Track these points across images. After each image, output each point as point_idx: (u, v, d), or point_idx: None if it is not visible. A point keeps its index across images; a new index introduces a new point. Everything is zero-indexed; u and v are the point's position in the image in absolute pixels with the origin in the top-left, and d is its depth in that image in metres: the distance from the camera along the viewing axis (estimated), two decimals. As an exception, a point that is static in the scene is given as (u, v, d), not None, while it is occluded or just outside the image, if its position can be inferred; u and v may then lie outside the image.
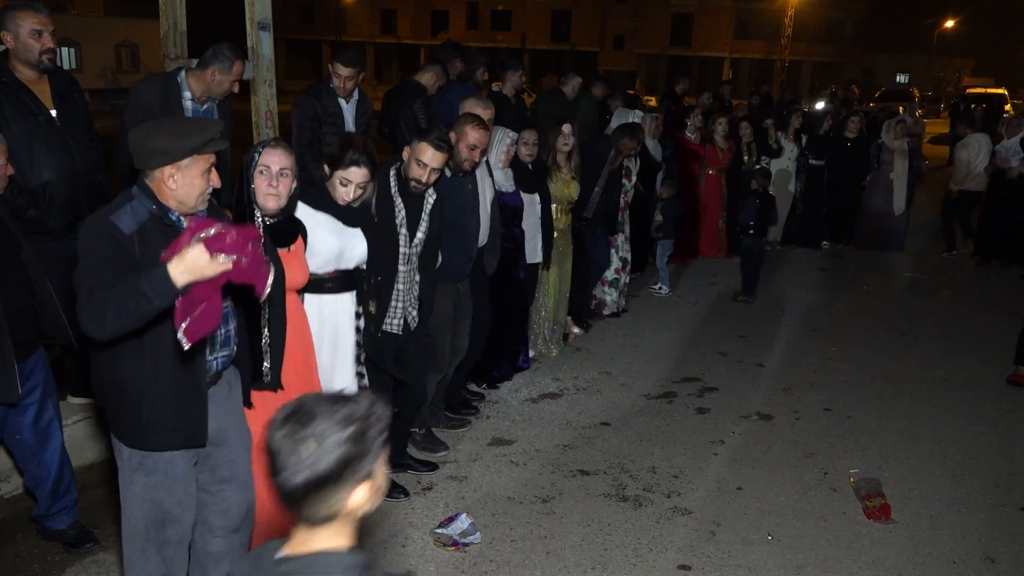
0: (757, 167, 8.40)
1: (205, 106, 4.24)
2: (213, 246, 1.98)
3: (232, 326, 2.61)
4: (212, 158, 2.36)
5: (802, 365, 5.95)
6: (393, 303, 3.70)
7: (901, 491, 4.15)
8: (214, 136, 2.33)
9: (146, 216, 2.31)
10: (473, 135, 4.06)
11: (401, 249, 3.67)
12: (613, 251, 6.62)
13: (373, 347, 3.60)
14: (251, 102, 4.81)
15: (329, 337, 3.36)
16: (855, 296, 7.92)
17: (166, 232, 2.32)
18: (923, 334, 6.79)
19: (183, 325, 2.05)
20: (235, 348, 2.66)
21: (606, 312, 6.80)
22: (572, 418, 4.90)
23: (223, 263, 1.98)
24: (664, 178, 7.49)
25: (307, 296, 3.26)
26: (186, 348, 2.10)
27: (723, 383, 5.54)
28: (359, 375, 3.51)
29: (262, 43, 4.69)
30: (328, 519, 1.37)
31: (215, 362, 2.59)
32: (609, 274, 6.70)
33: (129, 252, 2.25)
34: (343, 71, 5.03)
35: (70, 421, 3.78)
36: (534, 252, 5.20)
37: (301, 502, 1.34)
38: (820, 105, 19.34)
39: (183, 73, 4.20)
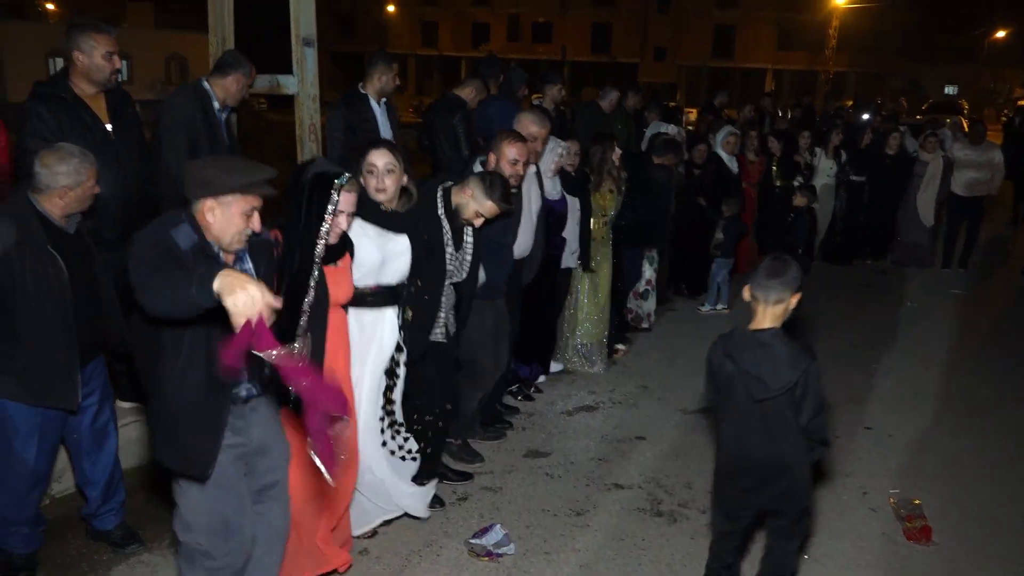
0: (799, 183, 8.30)
1: (224, 114, 4.34)
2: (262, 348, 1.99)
3: None
4: (256, 201, 2.41)
5: (842, 382, 5.87)
6: (439, 315, 3.74)
7: (943, 513, 4.07)
8: (263, 179, 2.39)
9: (194, 241, 2.38)
10: (511, 151, 4.07)
11: (448, 268, 3.71)
12: (646, 262, 6.64)
13: (417, 354, 3.65)
14: (295, 116, 4.92)
15: (366, 350, 3.39)
16: (898, 313, 7.79)
17: (207, 261, 2.36)
18: (968, 352, 6.66)
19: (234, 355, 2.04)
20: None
21: (642, 325, 6.80)
22: (608, 431, 4.90)
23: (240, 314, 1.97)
24: (725, 195, 7.37)
25: (349, 310, 3.31)
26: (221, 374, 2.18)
27: (761, 399, 5.49)
28: (388, 387, 3.51)
29: (306, 59, 4.81)
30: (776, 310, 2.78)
31: (252, 388, 2.64)
32: (640, 285, 6.71)
33: (186, 264, 2.30)
34: (392, 69, 5.09)
35: (118, 424, 3.89)
36: (570, 258, 5.25)
37: (770, 299, 2.78)
38: (865, 117, 19.09)
39: (205, 82, 4.28)
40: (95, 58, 3.57)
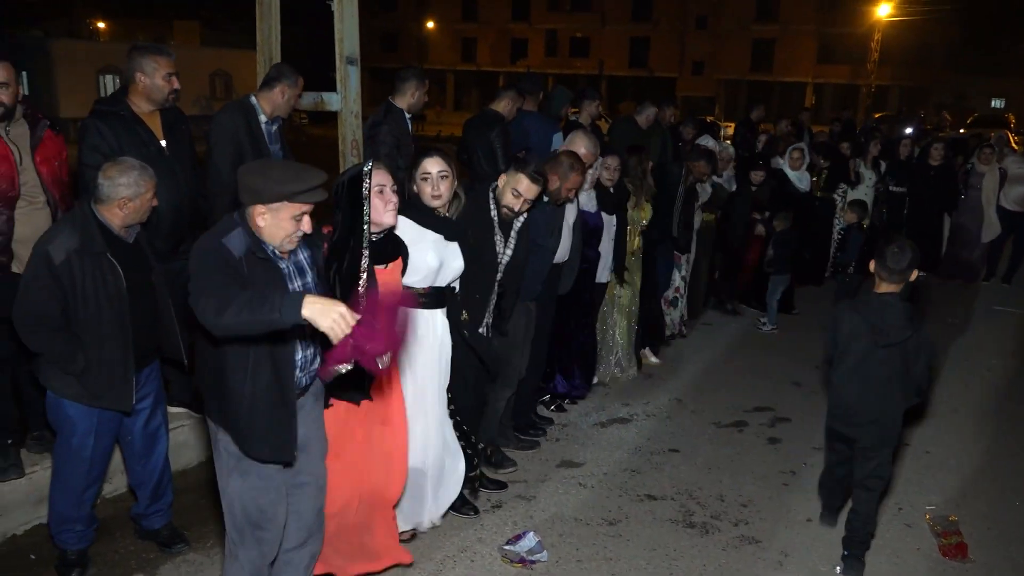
0: (841, 194, 8.25)
1: (274, 127, 4.48)
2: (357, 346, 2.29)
3: (317, 347, 2.78)
4: (306, 207, 2.53)
5: (879, 398, 5.84)
6: (485, 312, 3.87)
7: (979, 530, 4.04)
8: (311, 187, 2.49)
9: (248, 245, 2.52)
10: (576, 180, 4.34)
11: (500, 265, 3.85)
12: (675, 270, 6.69)
13: (488, 356, 3.80)
14: (338, 132, 5.07)
15: (426, 350, 3.50)
16: (938, 328, 7.68)
17: (262, 265, 2.53)
18: (1010, 369, 6.57)
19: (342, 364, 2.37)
20: (319, 364, 2.84)
21: (667, 332, 6.82)
22: (641, 443, 4.94)
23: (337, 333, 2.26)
24: (777, 211, 7.34)
25: None
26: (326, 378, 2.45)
27: (796, 414, 5.49)
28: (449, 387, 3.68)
29: (350, 77, 4.96)
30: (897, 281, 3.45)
31: (305, 377, 2.78)
32: (669, 293, 6.75)
33: (240, 272, 2.46)
34: (424, 85, 5.22)
35: (168, 428, 4.04)
36: (604, 272, 5.33)
37: (893, 278, 3.46)
38: (908, 131, 18.81)
39: (253, 97, 4.44)
40: (156, 79, 3.74)
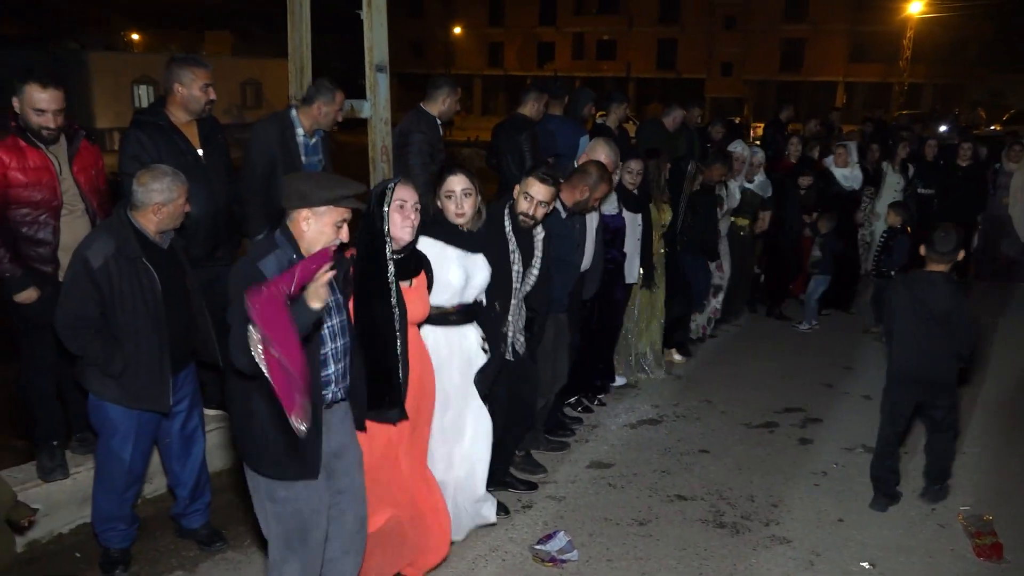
0: (868, 196, 8.15)
1: (313, 140, 4.59)
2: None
3: (348, 361, 2.85)
4: (347, 213, 2.62)
5: (912, 398, 5.78)
6: (506, 332, 3.86)
7: (1016, 531, 3.99)
8: (353, 194, 2.60)
9: (287, 263, 2.57)
10: (605, 190, 4.42)
11: (514, 285, 3.84)
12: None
13: (493, 372, 3.76)
14: (368, 139, 5.15)
15: (459, 367, 3.55)
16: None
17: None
18: (1047, 369, 6.47)
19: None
20: (350, 381, 2.90)
21: (692, 336, 6.82)
22: (671, 444, 4.95)
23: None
24: (822, 211, 7.26)
25: (432, 328, 3.47)
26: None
27: (827, 414, 5.46)
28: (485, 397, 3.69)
29: (379, 84, 5.04)
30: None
31: (338, 392, 2.84)
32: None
33: None
34: (456, 93, 5.33)
35: (205, 430, 4.14)
36: (632, 273, 5.35)
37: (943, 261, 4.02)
38: (943, 129, 18.53)
39: (294, 111, 4.57)
40: (193, 89, 3.85)
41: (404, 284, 3.15)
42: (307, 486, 2.73)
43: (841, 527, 4.04)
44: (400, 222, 3.08)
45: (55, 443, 3.80)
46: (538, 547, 3.74)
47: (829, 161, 7.98)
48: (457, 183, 3.45)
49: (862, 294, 8.18)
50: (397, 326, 3.07)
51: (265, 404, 2.60)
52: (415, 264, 3.24)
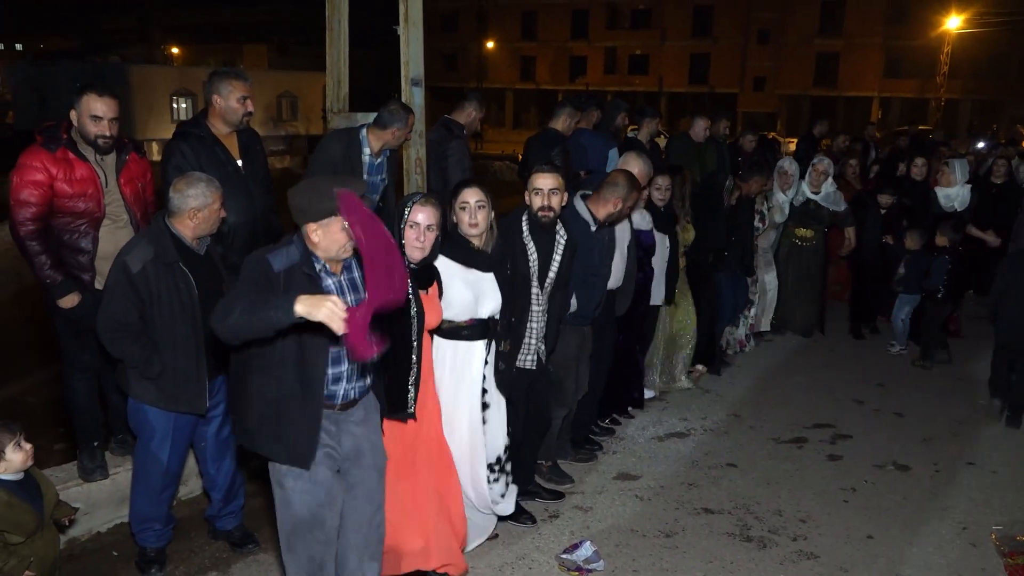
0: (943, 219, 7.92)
1: (379, 159, 4.76)
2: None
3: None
4: None
5: (945, 416, 5.73)
6: (527, 340, 3.90)
7: (1049, 551, 3.94)
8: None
9: (296, 259, 2.67)
10: (635, 199, 4.45)
11: (533, 291, 3.86)
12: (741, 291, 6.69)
13: (508, 383, 3.80)
14: (403, 151, 5.25)
15: (455, 379, 3.57)
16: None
17: (306, 280, 2.66)
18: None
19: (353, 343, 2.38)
20: (370, 379, 2.96)
21: (728, 350, 6.83)
22: (698, 458, 4.95)
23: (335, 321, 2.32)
24: (909, 226, 7.00)
25: (443, 342, 3.52)
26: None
27: (858, 431, 5.42)
28: (484, 405, 3.68)
29: (414, 97, 5.13)
30: None
31: (352, 390, 2.89)
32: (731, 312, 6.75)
33: (275, 285, 2.60)
34: (483, 110, 5.54)
35: (239, 434, 4.23)
36: (658, 294, 5.38)
37: None
38: (980, 145, 18.24)
39: (364, 130, 4.72)
40: (231, 101, 3.97)
41: (421, 292, 3.24)
42: (314, 479, 2.79)
43: (870, 544, 4.01)
44: (412, 241, 3.18)
45: (95, 444, 3.91)
46: (564, 556, 3.77)
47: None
48: (471, 195, 3.50)
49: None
50: (415, 335, 3.17)
51: (260, 383, 2.68)
52: (428, 274, 3.33)
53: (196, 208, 3.31)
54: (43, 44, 54.90)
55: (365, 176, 4.67)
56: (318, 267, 2.72)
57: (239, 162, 4.02)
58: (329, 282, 2.76)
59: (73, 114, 3.60)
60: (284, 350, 2.67)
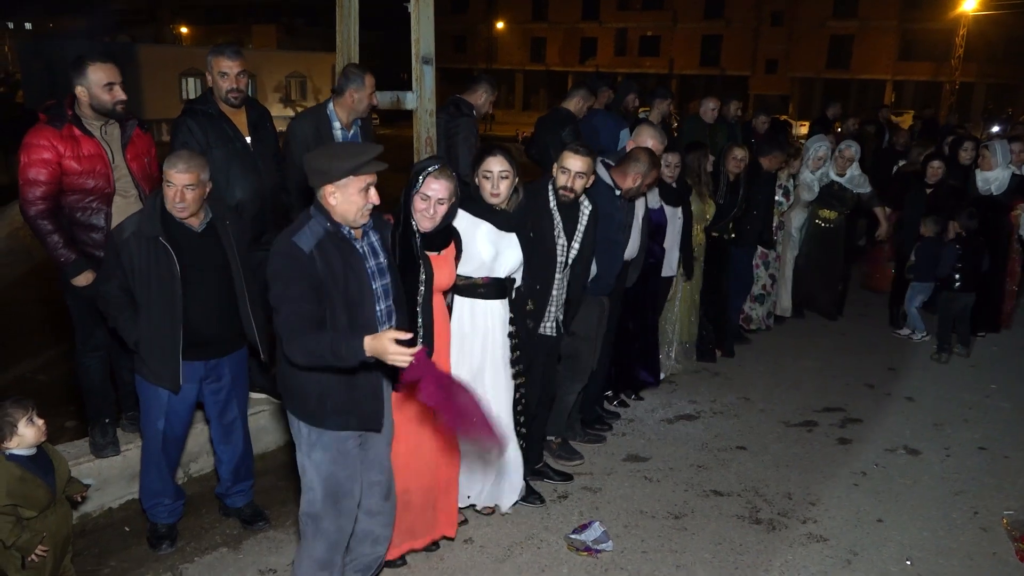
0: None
1: (351, 131, 4.59)
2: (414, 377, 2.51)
3: (394, 323, 2.91)
4: (370, 178, 2.67)
5: (956, 401, 5.69)
6: (548, 307, 3.92)
7: (1061, 536, 3.92)
8: (370, 158, 2.64)
9: (322, 233, 2.67)
10: (655, 175, 4.43)
11: (559, 259, 3.89)
12: (763, 266, 6.68)
13: (531, 345, 3.85)
14: (413, 130, 5.21)
15: (480, 340, 3.61)
16: (1020, 334, 7.42)
17: (340, 246, 2.69)
18: (1099, 375, 6.31)
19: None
20: None
21: (752, 327, 6.83)
22: (708, 440, 4.94)
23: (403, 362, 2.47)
24: (927, 213, 6.80)
25: (460, 299, 3.55)
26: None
27: (868, 415, 5.40)
28: (515, 375, 3.74)
29: (425, 76, 5.09)
30: None
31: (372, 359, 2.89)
32: (756, 289, 6.74)
33: (310, 269, 2.61)
34: (494, 93, 5.49)
35: (248, 413, 4.24)
36: (670, 267, 5.36)
37: None
38: (995, 129, 18.06)
39: (331, 105, 4.58)
40: (213, 77, 3.96)
41: (433, 253, 3.24)
42: (342, 449, 2.82)
43: (880, 527, 4.00)
44: (420, 209, 3.17)
45: (107, 420, 3.92)
46: (573, 536, 3.77)
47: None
48: (495, 164, 3.50)
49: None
50: (421, 299, 3.18)
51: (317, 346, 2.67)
52: (444, 235, 3.32)
53: (169, 183, 3.23)
54: (52, 24, 54.86)
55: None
56: (345, 231, 2.72)
57: (248, 139, 4.00)
58: (357, 246, 2.76)
59: (80, 90, 3.56)
60: (337, 322, 2.68)
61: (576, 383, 4.48)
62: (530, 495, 4.07)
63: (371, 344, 2.46)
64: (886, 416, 5.39)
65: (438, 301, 3.36)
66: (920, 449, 4.89)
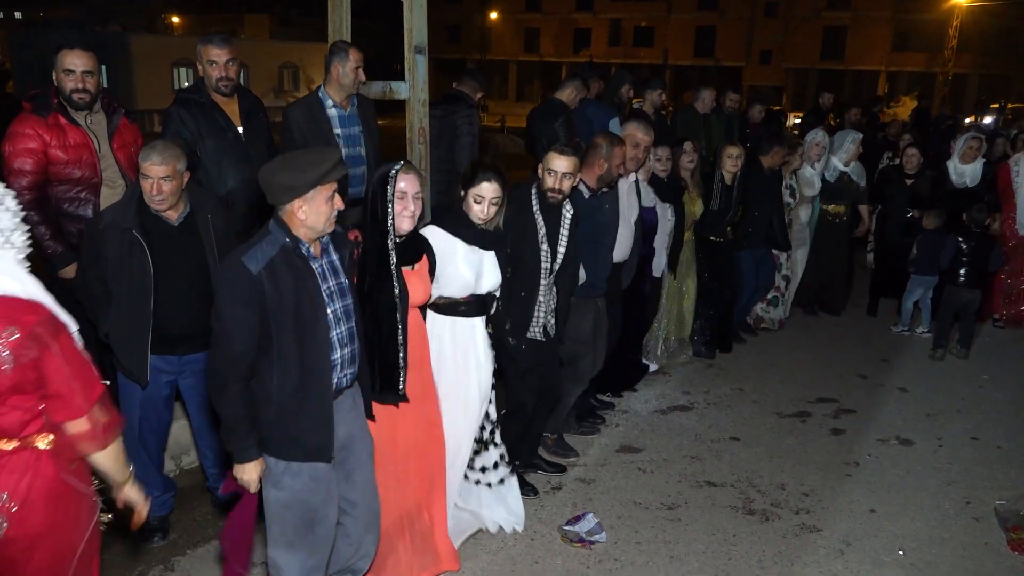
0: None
1: (348, 110, 4.52)
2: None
3: (356, 345, 2.80)
4: (335, 185, 2.56)
5: (949, 391, 5.71)
6: (536, 313, 3.85)
7: (1053, 526, 3.94)
8: (334, 163, 2.53)
9: (275, 252, 2.52)
10: (620, 154, 4.22)
11: (543, 264, 3.81)
12: (775, 270, 6.65)
13: (518, 355, 3.80)
14: (405, 120, 5.18)
15: (461, 357, 3.49)
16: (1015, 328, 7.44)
17: (294, 265, 2.54)
18: (1091, 366, 6.33)
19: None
20: (358, 366, 2.85)
21: (764, 326, 6.84)
22: (701, 431, 4.94)
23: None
24: (929, 206, 6.75)
25: (441, 317, 3.44)
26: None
27: (861, 406, 5.41)
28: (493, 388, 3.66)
29: (418, 65, 5.06)
30: None
31: (345, 378, 2.77)
32: (769, 292, 6.72)
33: (257, 290, 2.47)
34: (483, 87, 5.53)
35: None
36: (659, 266, 5.35)
37: None
38: (988, 120, 18.06)
39: (321, 90, 4.53)
40: (203, 66, 3.93)
41: (406, 268, 3.11)
42: (314, 475, 2.68)
43: (873, 517, 4.01)
44: (401, 212, 3.03)
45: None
46: (567, 528, 3.77)
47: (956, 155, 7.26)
48: (489, 191, 3.36)
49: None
50: (399, 314, 3.04)
51: (279, 381, 2.57)
52: (416, 248, 3.19)
53: (145, 176, 3.17)
54: (43, 13, 54.44)
55: (338, 130, 4.46)
56: (304, 250, 2.58)
57: (240, 128, 3.97)
58: (315, 266, 2.62)
59: (55, 76, 3.53)
60: (284, 347, 2.55)
61: (576, 387, 4.46)
62: (523, 487, 4.05)
63: (248, 467, 2.60)
64: (879, 407, 5.40)
65: (414, 316, 3.22)
66: (913, 439, 4.91)
